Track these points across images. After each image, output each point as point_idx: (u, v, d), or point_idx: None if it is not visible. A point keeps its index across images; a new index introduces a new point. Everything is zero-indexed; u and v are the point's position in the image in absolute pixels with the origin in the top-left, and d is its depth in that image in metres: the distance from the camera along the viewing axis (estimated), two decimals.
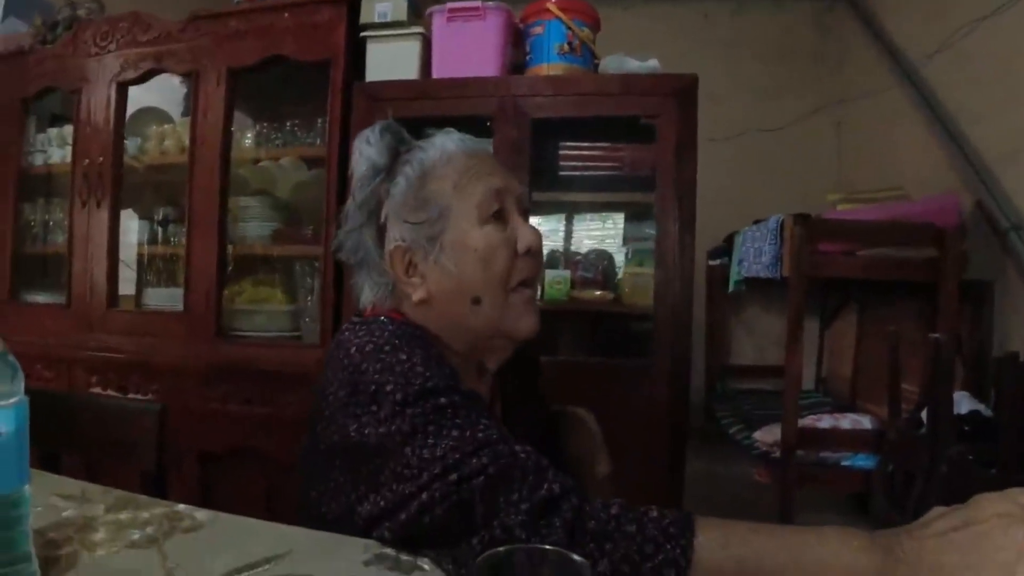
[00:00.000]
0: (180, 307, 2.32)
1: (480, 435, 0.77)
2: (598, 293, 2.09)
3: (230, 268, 2.36)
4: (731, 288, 3.23)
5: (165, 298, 2.43)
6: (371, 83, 2.16)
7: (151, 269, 2.62)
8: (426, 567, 0.77)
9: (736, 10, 3.94)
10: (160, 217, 2.56)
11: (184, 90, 2.60)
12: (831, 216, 2.84)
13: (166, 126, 2.49)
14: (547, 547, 0.56)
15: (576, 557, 0.54)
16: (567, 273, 2.09)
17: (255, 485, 2.06)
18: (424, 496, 0.75)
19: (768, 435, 2.71)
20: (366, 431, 0.80)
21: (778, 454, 2.55)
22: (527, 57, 2.08)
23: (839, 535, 0.64)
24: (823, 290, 3.56)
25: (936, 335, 2.20)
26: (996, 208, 2.56)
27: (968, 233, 2.64)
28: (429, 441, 0.77)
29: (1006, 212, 2.51)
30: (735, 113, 3.66)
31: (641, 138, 1.98)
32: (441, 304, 0.94)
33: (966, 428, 2.16)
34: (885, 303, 3.13)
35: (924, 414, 2.19)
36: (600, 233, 2.54)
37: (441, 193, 0.94)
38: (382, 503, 0.79)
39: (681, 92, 1.88)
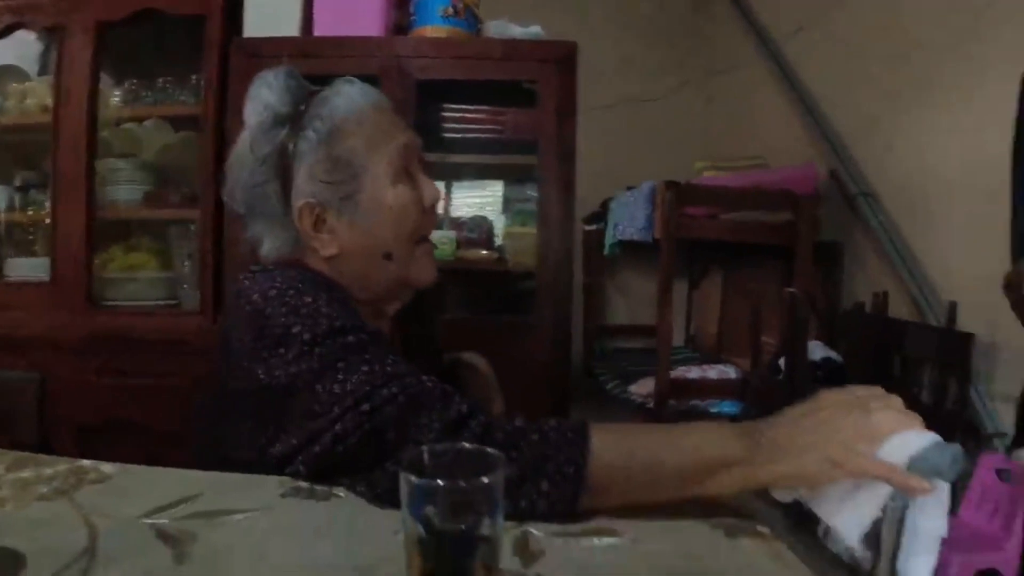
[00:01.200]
0: (46, 277, 2.19)
1: (389, 369, 0.81)
2: (483, 253, 2.15)
3: (99, 235, 2.24)
4: (607, 251, 3.36)
5: (29, 268, 2.29)
6: (249, 39, 2.09)
7: (10, 239, 2.45)
8: (341, 494, 0.81)
9: None
10: (20, 182, 2.40)
11: (40, 46, 2.43)
12: (698, 182, 3.01)
13: (27, 84, 2.32)
14: (464, 444, 0.62)
15: (490, 450, 0.60)
16: (452, 234, 2.14)
17: (134, 456, 1.99)
18: (337, 428, 0.78)
19: (643, 387, 2.88)
20: (275, 373, 0.81)
21: (652, 404, 2.71)
22: (411, 18, 2.08)
23: (712, 426, 0.76)
24: (691, 254, 3.77)
25: (792, 290, 2.41)
26: (847, 177, 2.79)
27: (822, 199, 2.87)
28: (339, 377, 0.79)
29: (856, 180, 2.74)
30: (612, 85, 3.79)
31: (523, 103, 2.04)
32: (350, 259, 0.97)
33: (819, 373, 2.37)
34: (747, 265, 3.36)
35: (782, 362, 2.39)
36: (480, 200, 2.60)
37: (355, 152, 0.94)
38: (294, 441, 0.81)
39: (561, 59, 1.95)
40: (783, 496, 0.73)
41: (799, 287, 2.61)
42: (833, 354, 2.53)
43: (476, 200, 2.59)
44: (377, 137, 0.96)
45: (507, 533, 0.73)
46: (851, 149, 2.83)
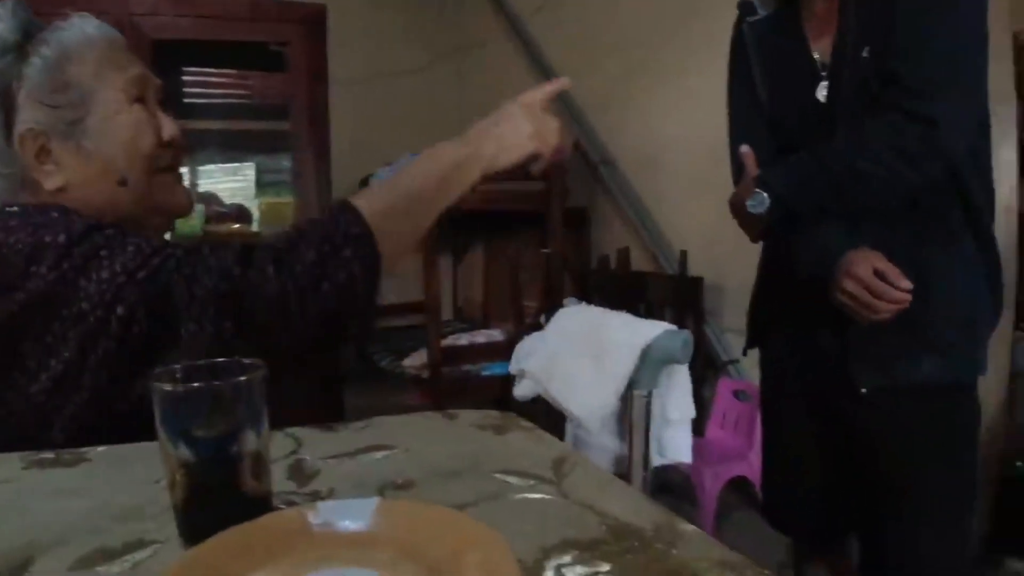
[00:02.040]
0: None
1: (155, 243, 0.78)
2: (236, 227, 2.04)
3: None
4: None
5: None
6: None
7: None
8: (91, 457, 0.73)
9: None
10: None
11: None
12: None
13: None
14: (218, 360, 0.58)
15: (248, 361, 0.56)
16: (200, 207, 2.00)
17: None
18: (120, 310, 0.71)
19: (416, 359, 2.92)
20: (30, 286, 0.72)
21: (427, 374, 2.76)
22: None
23: (438, 145, 0.93)
24: (453, 229, 3.86)
25: (546, 250, 2.56)
26: (589, 147, 3.01)
27: (568, 169, 3.07)
28: (104, 263, 0.73)
29: (597, 149, 2.97)
30: (362, 58, 3.74)
31: (271, 67, 1.96)
32: (82, 190, 0.89)
33: None
34: (506, 234, 3.51)
35: (543, 319, 2.54)
36: (232, 186, 2.45)
37: (84, 76, 0.89)
38: (67, 354, 0.72)
39: (310, 20, 1.90)
40: (523, 391, 0.79)
41: (552, 249, 2.79)
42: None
43: (229, 185, 2.44)
44: (109, 65, 0.91)
45: (279, 461, 0.71)
46: (591, 121, 3.06)
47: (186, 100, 2.06)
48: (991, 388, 1.25)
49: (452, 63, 4.08)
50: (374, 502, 0.44)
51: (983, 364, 1.19)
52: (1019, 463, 1.89)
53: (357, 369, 3.64)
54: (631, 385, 0.79)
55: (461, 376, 2.77)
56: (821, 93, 1.16)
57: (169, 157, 0.96)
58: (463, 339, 2.95)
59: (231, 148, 2.13)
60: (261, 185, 2.16)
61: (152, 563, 0.52)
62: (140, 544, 0.55)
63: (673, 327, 0.75)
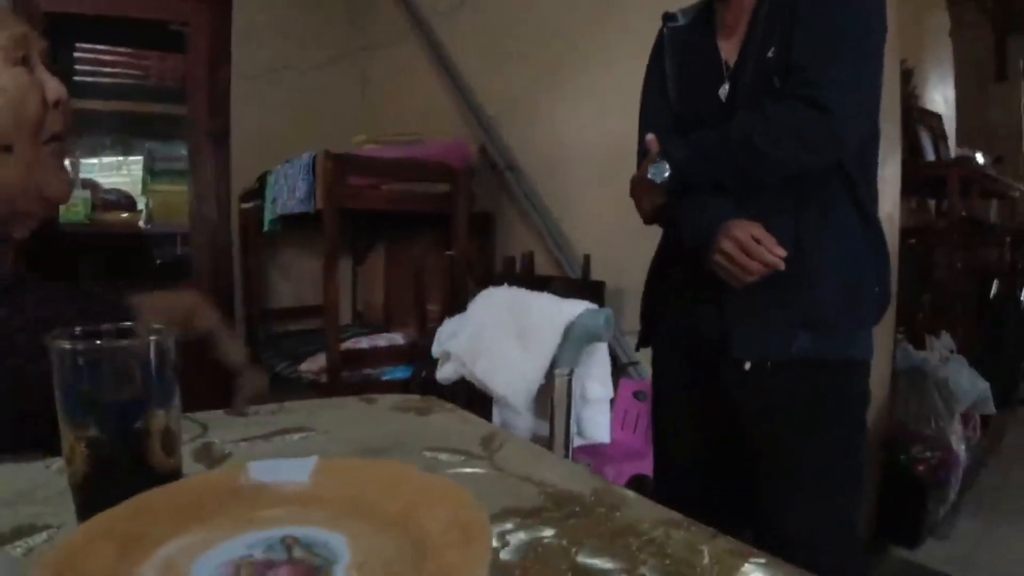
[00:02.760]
0: None
1: None
2: (124, 216, 1.91)
3: None
4: (266, 227, 3.20)
5: None
6: None
7: None
8: None
9: None
10: None
11: None
12: (359, 153, 3.02)
13: None
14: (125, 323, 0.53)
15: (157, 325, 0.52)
16: (87, 193, 1.86)
17: None
18: None
19: (314, 364, 2.81)
20: None
21: (326, 379, 2.67)
22: None
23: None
24: (354, 231, 3.77)
25: (450, 252, 2.54)
26: (495, 152, 3.01)
27: (475, 173, 3.06)
28: None
29: (503, 155, 2.98)
30: (264, 53, 3.62)
31: (169, 47, 1.85)
32: None
33: None
34: (408, 237, 3.46)
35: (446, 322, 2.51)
36: (120, 173, 2.30)
37: None
38: None
39: (215, 1, 1.81)
40: (446, 374, 0.77)
41: (457, 253, 2.76)
42: None
43: (119, 179, 2.27)
44: None
45: (184, 445, 0.65)
46: (498, 127, 3.06)
47: (76, 78, 1.92)
48: (873, 383, 1.31)
49: (357, 61, 4.01)
50: (313, 460, 0.40)
51: (866, 346, 1.25)
52: (903, 456, 2.02)
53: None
54: (553, 364, 0.79)
55: (361, 380, 2.70)
56: (723, 92, 1.22)
57: (57, 123, 0.89)
58: (363, 343, 2.88)
59: (122, 131, 1.99)
60: (154, 173, 2.03)
61: (47, 548, 0.47)
62: (32, 529, 0.51)
63: (594, 306, 0.76)
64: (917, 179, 3.15)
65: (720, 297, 1.20)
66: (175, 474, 0.51)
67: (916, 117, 3.47)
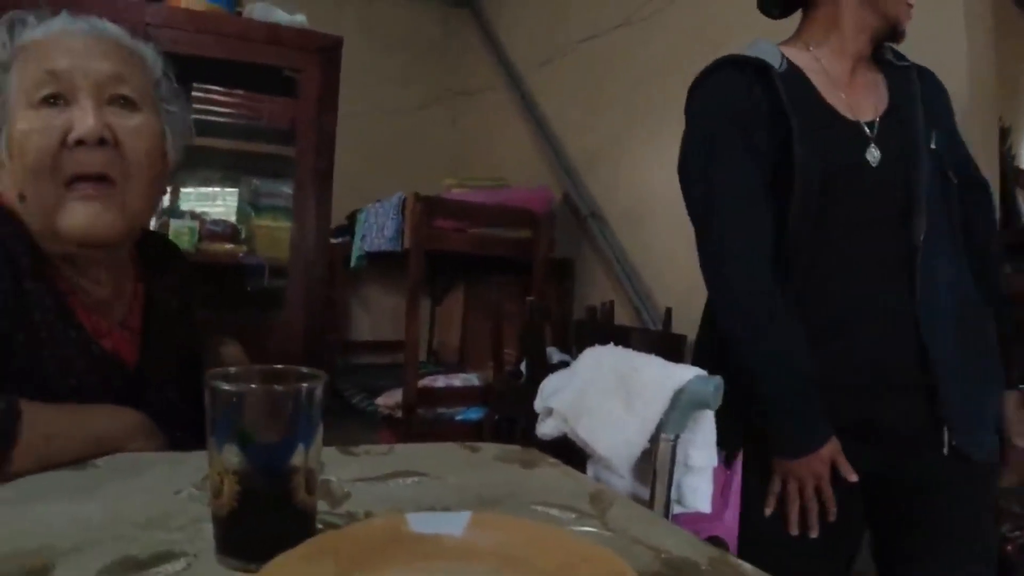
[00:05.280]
0: None
1: None
2: (228, 246, 2.01)
3: None
4: (353, 263, 3.32)
5: None
6: None
7: None
8: (99, 464, 0.71)
9: None
10: None
11: None
12: (446, 196, 3.10)
13: None
14: (277, 367, 0.56)
15: (306, 369, 0.55)
16: (195, 224, 1.97)
17: None
18: None
19: (390, 399, 2.87)
20: None
21: (400, 415, 2.71)
22: None
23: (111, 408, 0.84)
24: (434, 271, 3.85)
25: (530, 298, 2.56)
26: (578, 199, 3.05)
27: (556, 219, 3.11)
28: None
29: (586, 203, 3.02)
30: (361, 94, 3.77)
31: (279, 91, 1.96)
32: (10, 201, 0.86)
33: None
34: (488, 280, 3.51)
35: (523, 367, 2.53)
36: (216, 210, 2.40)
37: (9, 81, 0.84)
38: None
39: (327, 50, 1.91)
40: (547, 430, 0.78)
41: (536, 297, 2.79)
42: (568, 358, 2.72)
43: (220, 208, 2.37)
44: (31, 62, 0.84)
45: None
46: (582, 175, 3.11)
47: (193, 116, 2.04)
48: None
49: (449, 106, 4.14)
50: (467, 514, 0.43)
51: None
52: None
53: (327, 404, 3.57)
54: (659, 428, 0.79)
55: (434, 419, 2.73)
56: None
57: (82, 163, 0.82)
58: (440, 381, 2.91)
59: (232, 168, 2.11)
60: (257, 208, 2.13)
61: None
62: (169, 555, 0.53)
63: (704, 372, 0.76)
64: (1013, 243, 3.03)
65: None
66: (313, 512, 0.54)
67: (1012, 176, 3.36)
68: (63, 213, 0.82)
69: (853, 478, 1.05)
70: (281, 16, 1.95)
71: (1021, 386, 1.21)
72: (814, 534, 1.08)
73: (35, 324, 0.81)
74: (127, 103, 0.87)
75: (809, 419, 1.06)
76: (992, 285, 1.23)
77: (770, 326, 1.06)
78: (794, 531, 1.09)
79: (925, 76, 1.24)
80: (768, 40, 1.20)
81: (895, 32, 1.19)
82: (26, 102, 0.82)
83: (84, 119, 0.82)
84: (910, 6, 1.18)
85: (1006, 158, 3.29)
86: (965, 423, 1.11)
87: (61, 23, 0.87)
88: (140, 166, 0.87)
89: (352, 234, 3.40)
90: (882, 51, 1.24)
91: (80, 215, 0.82)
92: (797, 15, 1.28)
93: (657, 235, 2.67)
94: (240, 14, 1.98)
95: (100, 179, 0.83)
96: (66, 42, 0.86)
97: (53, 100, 0.82)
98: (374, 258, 3.20)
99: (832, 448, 1.06)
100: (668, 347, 2.39)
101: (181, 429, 0.88)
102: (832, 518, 1.07)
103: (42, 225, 0.83)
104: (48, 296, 0.84)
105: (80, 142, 0.81)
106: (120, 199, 0.86)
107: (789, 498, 1.09)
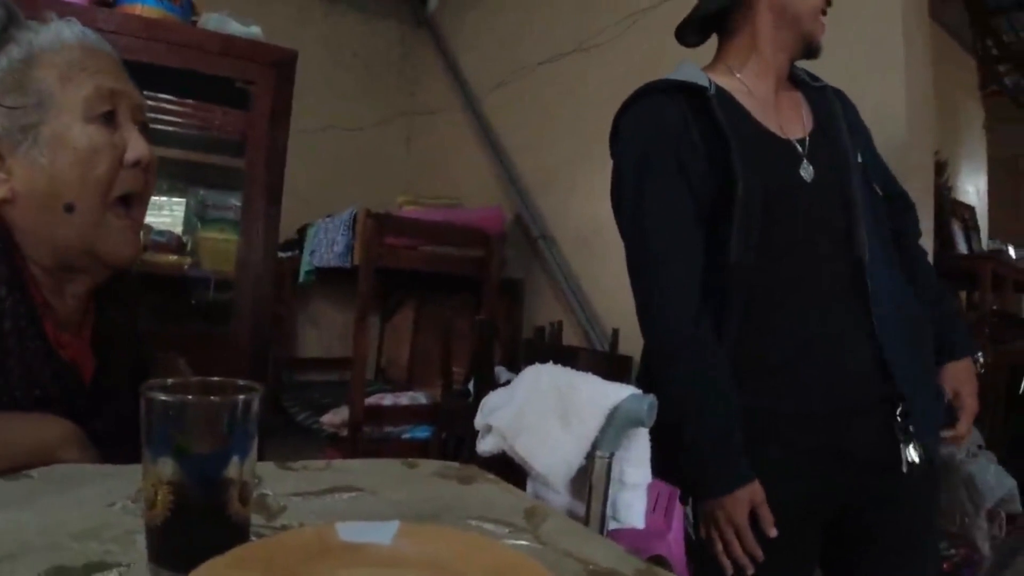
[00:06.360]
0: None
1: None
2: (173, 258, 1.98)
3: None
4: (302, 279, 3.30)
5: None
6: None
7: None
8: (34, 475, 0.70)
9: (328, 11, 4.08)
10: None
11: None
12: (399, 214, 3.11)
13: None
14: (213, 379, 0.57)
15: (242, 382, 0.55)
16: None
17: None
18: None
19: (336, 417, 2.85)
20: None
21: (346, 433, 2.69)
22: None
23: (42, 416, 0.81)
24: (384, 288, 3.85)
25: (480, 317, 2.58)
26: (530, 221, 3.09)
27: (508, 240, 3.14)
28: None
29: (538, 224, 3.05)
30: (317, 109, 3.76)
31: (231, 102, 1.95)
32: (28, 207, 0.84)
33: None
34: (438, 298, 3.52)
35: (471, 386, 2.53)
36: (162, 220, 2.36)
37: (44, 80, 0.84)
38: None
39: (281, 64, 1.91)
40: (487, 447, 0.79)
41: (486, 316, 2.81)
42: (515, 376, 2.74)
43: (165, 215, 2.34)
44: (76, 70, 0.85)
45: None
46: (534, 196, 3.15)
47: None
48: None
49: (403, 125, 4.16)
50: (396, 524, 0.44)
51: None
52: None
53: (270, 421, 3.52)
54: (595, 446, 0.81)
55: (381, 437, 2.72)
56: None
57: (131, 182, 0.87)
58: (387, 399, 2.90)
59: (179, 178, 2.08)
60: (204, 220, 2.10)
61: None
62: (103, 565, 0.52)
63: (638, 391, 0.78)
64: (949, 272, 3.15)
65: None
66: (247, 523, 0.54)
67: (948, 209, 3.50)
68: (105, 234, 0.86)
69: (772, 533, 1.01)
70: (236, 27, 1.94)
71: (972, 356, 1.25)
72: (749, 572, 1.03)
73: (4, 332, 0.81)
74: (145, 128, 0.92)
75: (729, 459, 1.03)
76: (926, 274, 1.27)
77: (695, 357, 1.05)
78: (728, 572, 1.04)
79: (840, 95, 1.28)
80: (693, 63, 1.21)
81: (811, 48, 1.20)
82: (83, 116, 0.84)
83: (139, 142, 0.87)
84: (823, 24, 1.19)
85: (942, 191, 3.44)
86: (930, 429, 1.13)
87: (75, 33, 0.88)
88: (151, 190, 0.93)
89: (301, 249, 3.38)
90: (796, 72, 1.26)
91: (123, 241, 0.87)
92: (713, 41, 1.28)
93: (606, 257, 2.71)
94: (195, 23, 1.96)
95: (126, 201, 0.88)
96: (97, 58, 0.88)
97: (107, 117, 0.86)
98: (324, 273, 3.18)
99: (751, 491, 1.02)
100: (614, 368, 2.43)
101: (135, 442, 0.86)
102: (760, 560, 1.02)
103: (81, 241, 0.85)
104: (22, 305, 0.83)
105: (136, 163, 0.87)
106: (141, 222, 0.92)
107: (710, 541, 1.05)
